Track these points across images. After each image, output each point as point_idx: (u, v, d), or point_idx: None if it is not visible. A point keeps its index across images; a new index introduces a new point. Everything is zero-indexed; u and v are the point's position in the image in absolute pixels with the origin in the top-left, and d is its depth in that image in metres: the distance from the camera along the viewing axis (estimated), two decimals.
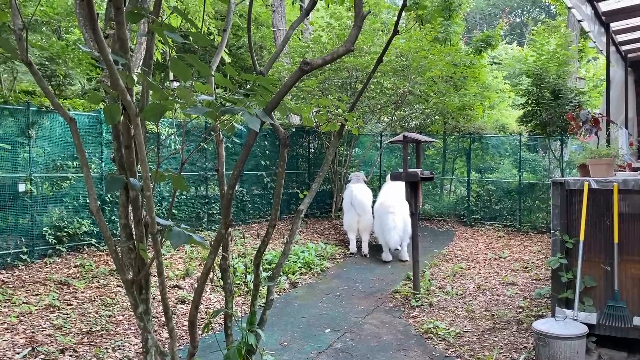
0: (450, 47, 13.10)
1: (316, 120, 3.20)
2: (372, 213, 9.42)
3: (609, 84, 7.61)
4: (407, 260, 8.85)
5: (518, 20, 35.77)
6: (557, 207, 4.94)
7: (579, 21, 7.00)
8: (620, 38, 8.03)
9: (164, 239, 2.18)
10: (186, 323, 5.57)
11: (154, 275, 2.61)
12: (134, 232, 2.40)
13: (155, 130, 8.34)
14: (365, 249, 9.39)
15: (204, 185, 9.92)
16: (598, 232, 4.74)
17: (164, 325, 5.55)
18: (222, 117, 2.19)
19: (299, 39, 13.02)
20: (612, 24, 7.16)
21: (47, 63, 9.49)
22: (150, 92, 2.25)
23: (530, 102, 11.74)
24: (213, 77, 2.45)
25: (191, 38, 1.96)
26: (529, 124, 11.98)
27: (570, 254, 4.83)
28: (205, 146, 9.71)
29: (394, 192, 9.16)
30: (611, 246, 4.61)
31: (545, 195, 11.27)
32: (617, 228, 4.57)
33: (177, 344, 2.49)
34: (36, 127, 7.37)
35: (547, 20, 16.18)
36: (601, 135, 6.32)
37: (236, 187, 2.67)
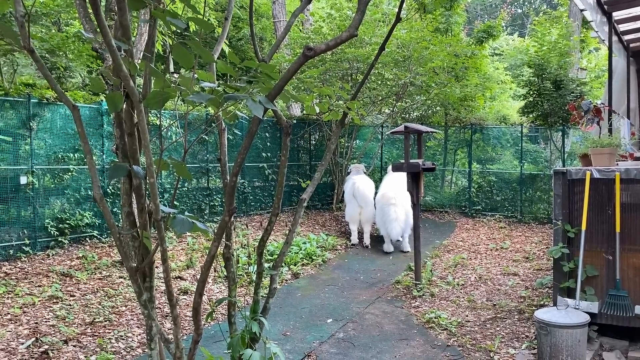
0: (451, 37, 13.04)
1: (318, 109, 3.18)
2: (374, 204, 9.43)
3: (611, 74, 7.58)
4: (408, 251, 8.87)
5: (519, 11, 35.62)
6: (559, 196, 4.93)
7: (581, 11, 6.96)
8: (622, 28, 7.99)
9: (167, 228, 2.18)
10: (189, 314, 5.60)
11: (157, 267, 2.62)
12: (137, 221, 2.40)
13: (157, 122, 8.32)
14: (366, 240, 9.40)
15: (205, 177, 9.92)
16: (600, 222, 4.74)
17: (166, 316, 5.57)
18: (224, 105, 2.18)
19: (300, 30, 12.98)
20: (614, 14, 7.12)
21: (47, 55, 9.45)
22: (153, 79, 2.24)
23: (531, 92, 11.70)
24: (215, 65, 2.44)
25: (191, 28, 1.95)
26: (531, 115, 11.95)
27: (572, 244, 4.84)
28: (206, 138, 9.71)
29: (396, 183, 9.16)
30: (613, 236, 4.62)
31: (546, 186, 11.27)
32: (619, 217, 4.57)
33: (180, 334, 2.49)
34: (37, 119, 7.36)
35: (549, 10, 16.11)
36: (603, 125, 6.31)
37: (238, 179, 2.67)
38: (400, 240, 9.02)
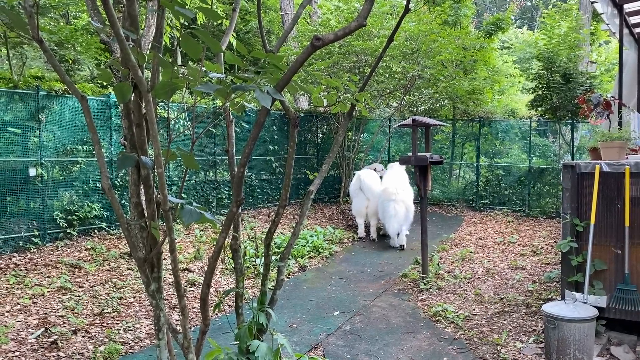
0: (460, 30, 12.94)
1: (326, 100, 3.18)
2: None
3: (621, 67, 7.50)
4: (402, 246, 8.71)
5: (529, 4, 35.29)
6: (567, 190, 4.90)
7: (592, 3, 6.88)
8: (633, 20, 7.89)
9: (175, 219, 2.18)
10: (196, 306, 5.63)
11: (165, 259, 2.63)
12: (145, 211, 2.41)
13: (164, 115, 8.34)
14: (373, 233, 9.39)
15: (213, 169, 9.95)
16: (609, 216, 4.71)
17: (174, 308, 5.60)
18: (232, 96, 2.18)
19: (307, 23, 12.94)
20: (625, 6, 7.04)
21: (55, 48, 9.49)
22: (161, 70, 2.24)
23: (540, 86, 11.61)
24: (222, 56, 2.43)
25: (199, 20, 1.94)
26: (539, 109, 11.87)
27: (580, 238, 4.81)
28: (213, 130, 9.72)
29: (397, 177, 9.10)
30: (622, 230, 4.59)
31: (555, 180, 11.21)
32: (628, 211, 4.53)
33: (188, 325, 2.51)
34: (46, 112, 7.40)
35: (559, 3, 15.96)
36: (613, 119, 6.25)
37: (245, 172, 2.65)
38: (399, 233, 8.81)
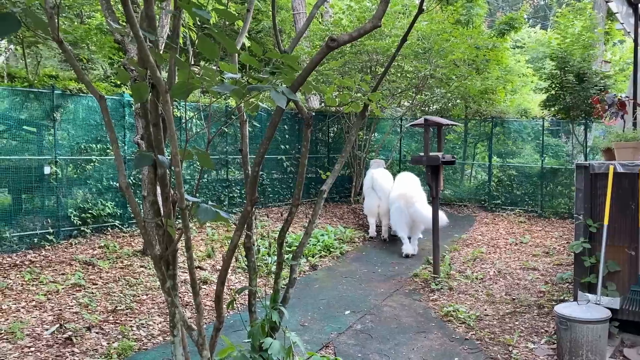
0: (472, 29, 12.89)
1: (338, 100, 3.19)
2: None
3: (636, 66, 7.42)
4: (408, 255, 8.57)
5: (542, 2, 35.01)
6: (580, 191, 4.87)
7: (606, 2, 6.84)
8: None
9: (191, 217, 2.21)
10: (209, 303, 5.68)
11: (178, 256, 2.66)
12: (161, 209, 2.44)
13: (177, 114, 8.40)
14: (385, 233, 9.38)
15: (225, 168, 10.00)
16: (623, 217, 4.67)
17: (186, 305, 5.65)
18: (247, 96, 2.20)
19: (319, 23, 12.95)
20: None
21: (70, 47, 9.61)
22: (177, 70, 2.26)
23: (553, 85, 11.53)
24: (237, 56, 2.46)
25: (212, 20, 1.96)
26: (552, 108, 11.78)
27: (593, 239, 4.78)
28: (225, 130, 9.78)
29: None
30: (636, 231, 4.55)
31: (567, 180, 11.12)
32: None
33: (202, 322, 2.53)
34: (61, 111, 7.48)
35: (573, 2, 15.81)
36: (627, 119, 6.19)
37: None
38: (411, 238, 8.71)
